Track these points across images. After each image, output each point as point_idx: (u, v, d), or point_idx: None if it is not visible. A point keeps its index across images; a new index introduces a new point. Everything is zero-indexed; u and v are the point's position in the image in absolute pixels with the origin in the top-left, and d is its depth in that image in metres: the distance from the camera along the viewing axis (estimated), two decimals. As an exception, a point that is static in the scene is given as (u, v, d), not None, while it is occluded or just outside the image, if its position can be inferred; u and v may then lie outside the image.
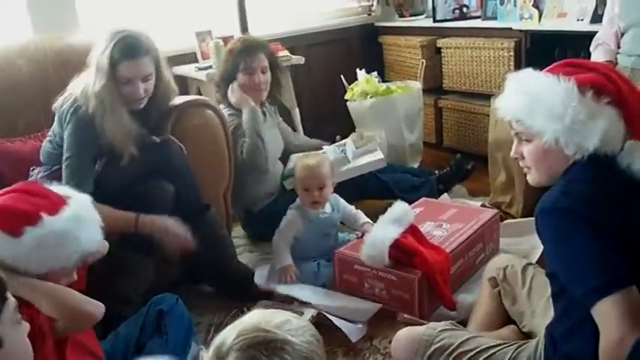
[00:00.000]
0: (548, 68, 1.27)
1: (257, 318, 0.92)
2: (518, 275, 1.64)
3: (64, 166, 1.86)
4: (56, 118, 1.95)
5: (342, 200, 2.26)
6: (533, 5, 2.88)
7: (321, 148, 2.72)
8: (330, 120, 3.33)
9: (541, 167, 1.28)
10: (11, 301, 1.03)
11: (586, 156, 1.18)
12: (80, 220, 1.35)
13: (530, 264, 1.69)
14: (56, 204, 1.35)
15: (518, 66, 2.95)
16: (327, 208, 2.19)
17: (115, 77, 1.84)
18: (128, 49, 1.83)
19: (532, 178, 1.33)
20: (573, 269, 1.14)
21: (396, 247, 1.85)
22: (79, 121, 1.85)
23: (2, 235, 1.26)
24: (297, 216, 2.15)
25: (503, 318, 1.66)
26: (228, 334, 0.89)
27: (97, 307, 1.36)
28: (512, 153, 1.34)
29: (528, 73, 1.27)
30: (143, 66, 1.86)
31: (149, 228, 1.80)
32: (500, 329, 1.64)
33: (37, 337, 1.22)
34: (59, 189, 1.43)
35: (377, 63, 3.68)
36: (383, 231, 1.88)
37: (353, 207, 2.30)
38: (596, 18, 2.56)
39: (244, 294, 2.06)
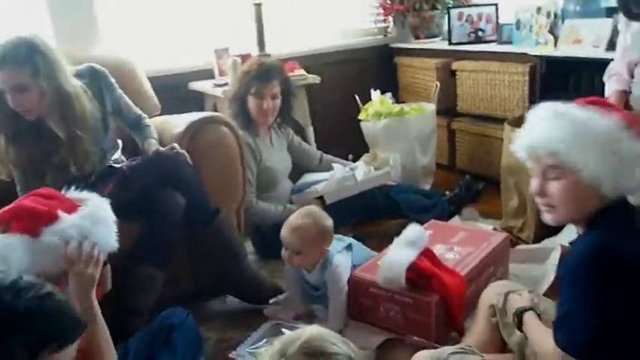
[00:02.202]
0: (586, 101, 1.22)
1: (325, 331, 1.02)
2: (517, 304, 1.56)
3: None
4: None
5: (331, 255, 1.98)
6: (549, 31, 2.89)
7: (332, 168, 2.73)
8: (343, 139, 3.34)
9: (569, 207, 1.21)
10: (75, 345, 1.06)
11: (617, 199, 1.15)
12: (97, 218, 1.37)
13: (531, 292, 1.61)
14: (72, 205, 1.38)
15: (532, 91, 2.96)
16: (315, 272, 1.98)
17: None
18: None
19: (553, 218, 1.26)
20: (572, 318, 1.16)
21: (413, 269, 1.84)
22: None
23: (21, 237, 1.28)
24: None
25: (498, 347, 1.61)
26: (295, 338, 0.99)
27: None
28: (534, 189, 1.26)
29: (565, 104, 1.22)
30: (13, 76, 1.77)
31: None
32: (505, 354, 1.62)
33: None
34: (75, 194, 1.46)
35: (391, 84, 3.71)
36: (399, 253, 1.87)
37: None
38: (612, 45, 2.56)
39: (255, 294, 2.10)
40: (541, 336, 1.32)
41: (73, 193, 1.45)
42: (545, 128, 1.20)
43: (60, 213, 1.32)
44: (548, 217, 1.28)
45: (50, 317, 1.00)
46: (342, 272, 1.96)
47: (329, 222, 1.96)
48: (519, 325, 1.44)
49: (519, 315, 1.44)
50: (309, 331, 1.01)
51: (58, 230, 1.30)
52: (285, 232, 1.93)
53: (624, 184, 1.14)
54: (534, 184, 1.26)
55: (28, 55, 1.77)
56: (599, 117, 1.16)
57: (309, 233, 1.91)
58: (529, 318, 1.40)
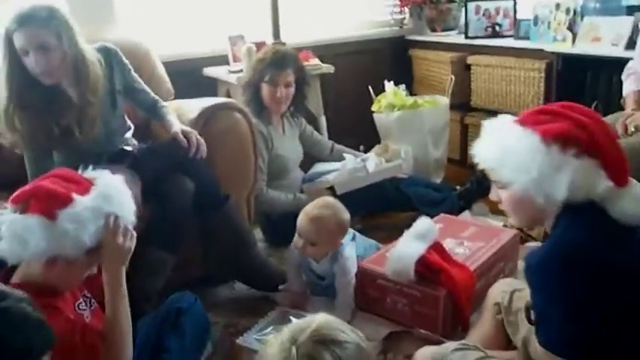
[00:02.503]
0: (522, 115, 1.28)
1: (332, 318, 1.05)
2: (524, 302, 1.58)
3: None
4: None
5: (342, 248, 1.98)
6: (567, 28, 2.86)
7: (344, 158, 2.72)
8: (355, 130, 3.34)
9: (517, 214, 1.32)
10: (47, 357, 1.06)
11: (564, 204, 1.19)
12: (108, 196, 1.39)
13: None
14: (85, 186, 1.39)
15: (548, 87, 2.94)
16: (324, 263, 1.99)
17: (14, 49, 1.79)
18: (23, 15, 1.77)
19: (513, 222, 1.39)
20: (545, 317, 1.21)
21: (422, 263, 1.83)
22: None
23: (39, 218, 1.29)
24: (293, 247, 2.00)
25: (502, 344, 1.62)
26: (305, 326, 1.01)
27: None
28: (490, 196, 1.37)
29: (501, 123, 1.29)
30: (38, 35, 1.78)
31: None
32: (509, 351, 1.62)
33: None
34: (88, 173, 1.47)
35: (405, 76, 3.68)
36: (408, 246, 1.87)
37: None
38: (631, 44, 2.54)
39: (264, 282, 2.10)
40: None
41: (89, 173, 1.46)
42: (482, 147, 1.29)
43: (74, 196, 1.33)
44: (510, 221, 1.40)
45: (11, 331, 0.98)
46: (351, 265, 1.97)
47: (347, 215, 1.96)
48: (529, 317, 1.44)
49: (529, 309, 1.45)
50: (319, 319, 1.02)
51: (72, 214, 1.31)
52: (303, 221, 1.91)
53: (551, 194, 1.19)
54: (491, 191, 1.36)
55: (52, 17, 1.79)
56: (521, 135, 1.22)
57: (328, 225, 1.90)
58: None
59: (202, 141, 1.99)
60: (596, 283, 1.15)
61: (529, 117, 1.26)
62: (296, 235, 1.95)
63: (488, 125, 1.31)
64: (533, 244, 2.43)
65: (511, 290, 1.60)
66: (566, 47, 2.85)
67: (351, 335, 1.00)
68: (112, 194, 1.40)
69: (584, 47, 2.76)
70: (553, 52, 2.89)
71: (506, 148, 1.23)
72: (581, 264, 1.15)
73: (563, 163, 1.17)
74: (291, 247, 2.02)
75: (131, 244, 1.43)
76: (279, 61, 2.49)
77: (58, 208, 1.30)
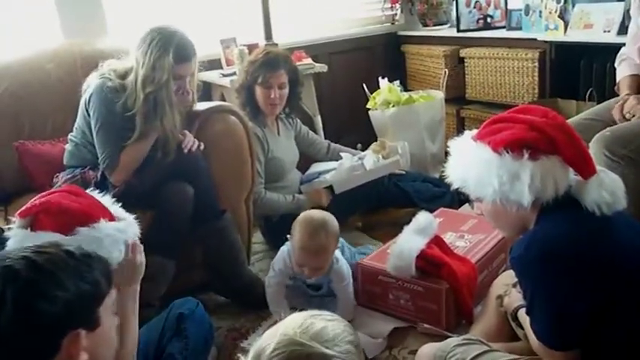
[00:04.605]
0: (478, 130, 1.30)
1: (293, 328, 0.91)
2: None
3: (99, 132, 1.95)
4: (86, 96, 2.00)
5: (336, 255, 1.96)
6: (558, 16, 2.86)
7: (341, 157, 2.72)
8: (351, 128, 3.34)
9: (501, 225, 1.36)
10: (114, 292, 1.12)
11: (550, 203, 1.20)
12: (125, 232, 1.38)
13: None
14: (110, 214, 1.39)
15: (542, 77, 2.93)
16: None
17: (173, 75, 1.97)
18: (184, 50, 2.01)
19: (502, 234, 1.41)
20: (534, 310, 1.24)
21: (423, 257, 1.83)
22: (111, 101, 1.94)
23: (54, 235, 1.26)
24: (284, 267, 1.96)
25: (507, 336, 1.61)
26: (266, 345, 0.90)
27: None
28: (475, 210, 1.40)
29: (462, 141, 1.32)
30: (193, 65, 2.06)
31: None
32: (514, 343, 1.62)
33: None
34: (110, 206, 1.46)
35: (399, 72, 3.69)
36: (408, 241, 1.87)
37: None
38: (623, 30, 2.53)
39: (249, 302, 2.07)
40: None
41: (101, 198, 1.45)
42: (449, 167, 1.33)
43: (101, 220, 1.32)
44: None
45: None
46: (346, 268, 1.96)
47: (336, 222, 1.92)
48: (518, 323, 1.45)
49: (514, 314, 1.48)
50: (281, 332, 0.91)
51: (92, 236, 1.28)
52: (304, 255, 1.85)
53: (517, 200, 1.20)
54: (474, 206, 1.39)
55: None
56: (477, 151, 1.24)
57: (329, 248, 1.88)
58: (522, 315, 1.42)
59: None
60: (574, 275, 1.15)
61: (484, 129, 1.29)
62: (296, 267, 1.90)
63: (452, 145, 1.34)
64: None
65: (512, 283, 1.59)
66: (558, 35, 2.84)
67: (313, 345, 0.88)
68: (129, 233, 1.41)
69: (576, 35, 2.75)
70: (546, 41, 2.88)
71: (466, 165, 1.27)
72: (558, 258, 1.15)
73: (518, 168, 1.19)
74: (271, 281, 1.96)
75: (143, 258, 1.45)
76: (271, 63, 2.48)
77: (78, 225, 1.29)
